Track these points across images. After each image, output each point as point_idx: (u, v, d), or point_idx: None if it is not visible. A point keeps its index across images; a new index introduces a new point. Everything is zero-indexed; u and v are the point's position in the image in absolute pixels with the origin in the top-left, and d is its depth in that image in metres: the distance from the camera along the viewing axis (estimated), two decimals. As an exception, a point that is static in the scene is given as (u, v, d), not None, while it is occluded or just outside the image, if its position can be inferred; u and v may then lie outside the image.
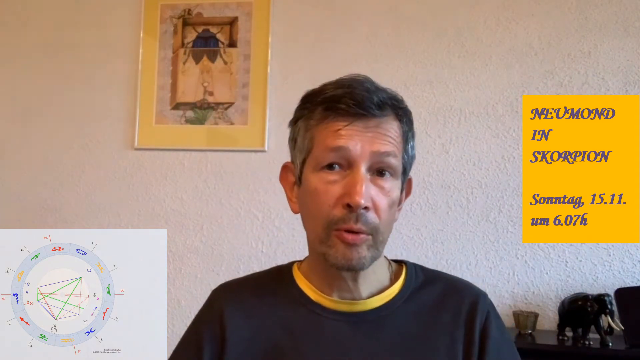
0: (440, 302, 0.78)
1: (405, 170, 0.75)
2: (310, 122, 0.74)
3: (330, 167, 0.71)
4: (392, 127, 0.72)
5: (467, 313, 0.76)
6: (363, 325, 0.75)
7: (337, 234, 0.70)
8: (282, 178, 0.81)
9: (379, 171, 0.71)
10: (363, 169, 0.70)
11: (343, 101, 0.70)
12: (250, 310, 0.79)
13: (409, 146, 0.75)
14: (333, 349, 0.74)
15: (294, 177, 0.78)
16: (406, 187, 0.79)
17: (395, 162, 0.72)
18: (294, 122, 0.77)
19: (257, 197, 1.95)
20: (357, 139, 0.70)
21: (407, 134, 0.75)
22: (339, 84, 0.72)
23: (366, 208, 0.69)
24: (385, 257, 0.81)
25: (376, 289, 0.77)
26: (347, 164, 0.70)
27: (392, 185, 0.72)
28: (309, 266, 0.80)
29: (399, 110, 0.74)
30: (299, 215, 0.78)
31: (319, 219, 0.72)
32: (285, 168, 0.80)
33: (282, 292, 0.80)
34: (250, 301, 0.80)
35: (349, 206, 0.69)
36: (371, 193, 0.70)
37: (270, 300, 0.79)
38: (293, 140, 0.77)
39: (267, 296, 0.80)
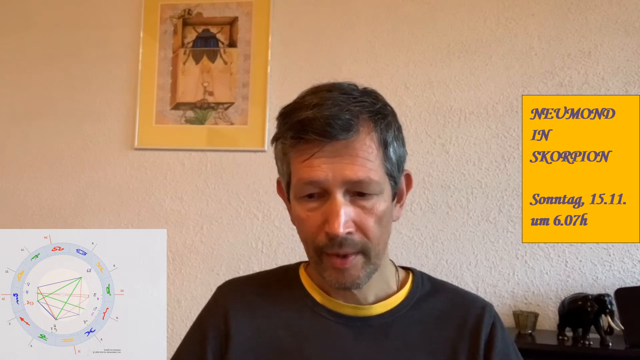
0: (445, 314, 0.77)
1: (393, 174, 0.72)
2: (285, 147, 0.72)
3: (309, 195, 0.70)
4: (363, 144, 0.68)
5: (472, 325, 0.76)
6: (367, 330, 0.75)
7: (328, 259, 0.70)
8: (279, 191, 0.81)
9: (358, 192, 0.69)
10: (339, 195, 0.68)
11: (308, 128, 0.67)
12: (255, 309, 0.79)
13: (391, 150, 0.71)
14: (336, 353, 0.74)
15: (285, 194, 0.78)
16: (405, 181, 0.78)
17: (373, 183, 0.69)
18: (274, 141, 0.75)
19: (257, 197, 1.95)
20: (327, 168, 0.68)
21: (386, 139, 0.71)
22: (308, 102, 0.69)
23: (349, 233, 0.68)
24: (392, 261, 0.81)
25: (383, 293, 0.77)
26: (324, 192, 0.69)
27: (375, 201, 0.70)
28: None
29: (372, 119, 0.70)
30: None
31: (307, 245, 0.73)
32: (279, 183, 0.80)
33: (288, 293, 0.80)
34: (255, 300, 0.80)
35: (329, 235, 0.68)
36: (352, 216, 0.68)
37: (275, 300, 0.79)
38: (276, 163, 0.77)
39: (272, 296, 0.80)
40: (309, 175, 0.69)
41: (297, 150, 0.70)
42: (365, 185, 0.68)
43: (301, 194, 0.71)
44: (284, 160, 0.74)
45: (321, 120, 0.67)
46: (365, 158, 0.68)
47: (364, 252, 0.70)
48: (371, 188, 0.69)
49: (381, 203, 0.70)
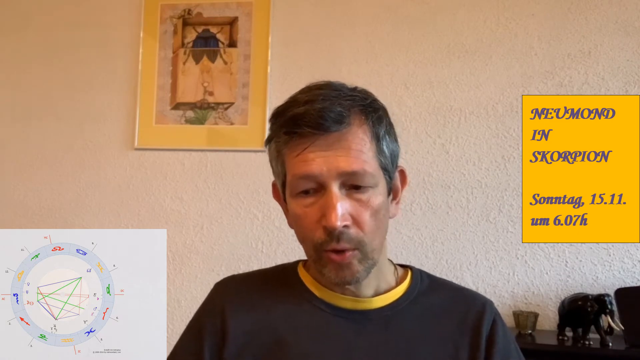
0: (445, 309, 0.78)
1: (387, 168, 0.73)
2: (278, 145, 0.73)
3: (304, 192, 0.71)
4: (356, 137, 0.69)
5: (472, 321, 0.76)
6: (367, 324, 0.75)
7: (326, 255, 0.71)
8: (274, 195, 0.81)
9: (353, 186, 0.70)
10: (335, 188, 0.68)
11: (301, 122, 0.68)
12: (252, 304, 0.79)
13: (384, 144, 0.72)
14: (336, 346, 0.74)
15: (281, 196, 0.78)
16: (400, 178, 0.78)
17: (367, 175, 0.69)
18: (267, 143, 0.76)
19: (257, 197, 1.95)
20: (321, 161, 0.68)
21: (378, 133, 0.72)
22: (300, 100, 0.70)
23: (346, 226, 0.68)
24: (390, 260, 0.81)
25: (381, 288, 0.78)
26: (319, 186, 0.70)
27: (371, 194, 0.70)
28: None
29: (364, 113, 0.71)
30: None
31: (306, 242, 0.73)
32: (274, 186, 0.81)
33: (287, 288, 0.80)
34: (253, 295, 0.80)
35: (327, 229, 0.69)
36: (348, 209, 0.69)
37: (274, 295, 0.79)
38: (270, 164, 0.77)
39: (270, 291, 0.80)
40: (303, 170, 0.69)
41: (291, 146, 0.71)
42: (360, 177, 0.69)
43: (297, 191, 0.71)
44: (278, 159, 0.74)
45: (313, 113, 0.68)
46: (359, 150, 0.69)
47: (360, 248, 0.70)
48: (366, 180, 0.69)
49: (377, 196, 0.71)
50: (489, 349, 0.74)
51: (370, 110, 0.72)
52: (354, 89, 0.73)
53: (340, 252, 0.70)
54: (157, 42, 2.05)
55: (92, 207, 2.04)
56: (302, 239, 0.74)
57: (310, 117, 0.68)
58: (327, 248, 0.70)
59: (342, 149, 0.68)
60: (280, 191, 0.77)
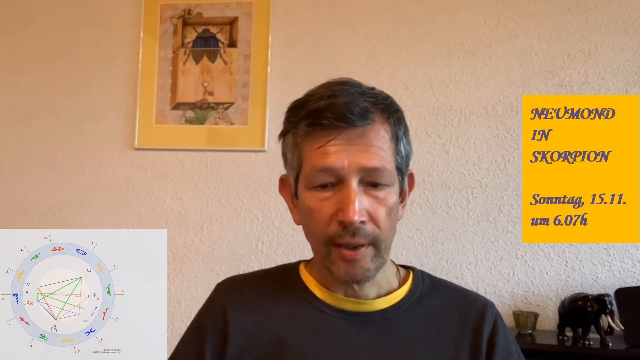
0: (446, 311, 0.78)
1: (402, 169, 0.74)
2: (297, 137, 0.72)
3: (321, 185, 0.70)
4: (378, 134, 0.70)
5: (473, 323, 0.76)
6: (368, 325, 0.75)
7: (337, 251, 0.70)
8: (282, 190, 0.81)
9: (371, 183, 0.70)
10: (354, 183, 0.68)
11: (325, 115, 0.68)
12: (253, 305, 0.79)
13: (401, 145, 0.73)
14: (337, 348, 0.74)
15: (291, 190, 0.78)
16: (408, 181, 0.79)
17: (387, 173, 0.70)
18: (282, 135, 0.76)
19: (257, 197, 1.95)
20: (343, 155, 0.68)
21: (397, 133, 0.73)
22: (322, 94, 0.70)
23: (362, 222, 0.69)
24: (392, 261, 0.81)
25: (383, 290, 0.77)
26: (338, 180, 0.69)
27: (387, 192, 0.71)
28: (315, 266, 0.80)
29: (386, 112, 0.72)
30: None
31: (317, 236, 0.72)
32: (282, 180, 0.80)
33: (288, 289, 0.80)
34: (254, 296, 0.80)
35: (343, 223, 0.68)
36: (366, 205, 0.69)
37: (275, 296, 0.79)
38: (284, 155, 0.77)
39: (271, 292, 0.80)
40: (323, 163, 0.69)
41: (312, 138, 0.70)
42: (379, 174, 0.69)
43: (313, 184, 0.71)
44: (294, 151, 0.73)
45: (339, 106, 0.68)
46: (380, 147, 0.70)
47: (375, 244, 0.70)
48: (384, 178, 0.70)
49: (392, 195, 0.71)
50: (490, 351, 0.74)
51: (392, 110, 0.73)
52: (373, 88, 0.74)
53: (353, 248, 0.70)
54: (157, 42, 2.05)
55: (92, 207, 2.04)
56: (313, 233, 0.73)
57: (336, 109, 0.68)
58: (340, 241, 0.69)
59: (363, 144, 0.69)
60: (292, 184, 0.76)
